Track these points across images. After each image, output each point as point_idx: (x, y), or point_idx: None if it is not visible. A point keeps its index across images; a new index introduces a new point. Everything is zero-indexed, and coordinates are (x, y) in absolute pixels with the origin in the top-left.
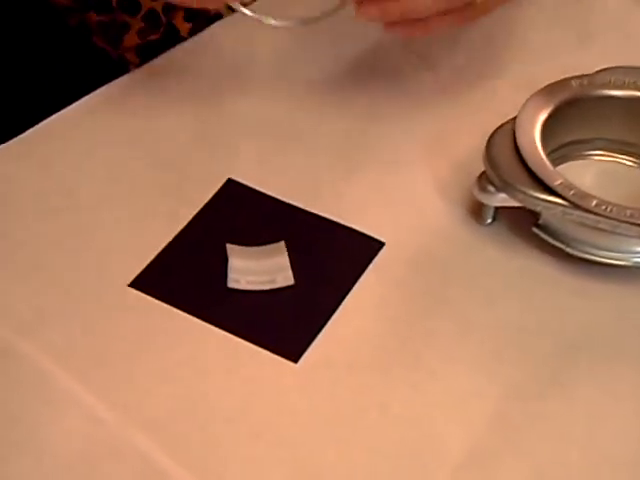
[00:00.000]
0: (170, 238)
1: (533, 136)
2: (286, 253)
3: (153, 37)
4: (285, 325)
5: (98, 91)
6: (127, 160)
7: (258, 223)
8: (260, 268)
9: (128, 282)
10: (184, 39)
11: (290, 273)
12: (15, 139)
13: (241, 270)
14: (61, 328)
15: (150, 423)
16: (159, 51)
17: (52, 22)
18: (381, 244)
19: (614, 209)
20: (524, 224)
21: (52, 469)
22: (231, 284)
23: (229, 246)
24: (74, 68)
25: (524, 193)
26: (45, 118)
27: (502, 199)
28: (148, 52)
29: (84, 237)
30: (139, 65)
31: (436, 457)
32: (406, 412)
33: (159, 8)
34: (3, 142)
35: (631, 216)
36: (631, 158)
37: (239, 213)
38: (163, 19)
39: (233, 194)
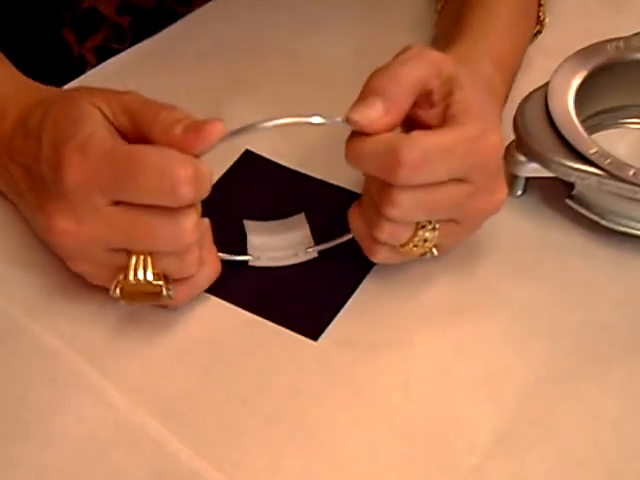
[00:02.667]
0: None
1: (566, 103)
2: (307, 225)
3: (116, 46)
4: (304, 302)
5: (118, 56)
6: None
7: (277, 195)
8: (281, 242)
9: None
10: None
11: (313, 246)
12: None
13: (261, 247)
14: (71, 309)
15: (163, 406)
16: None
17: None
18: None
19: None
20: (557, 196)
21: (60, 453)
22: (252, 263)
23: (246, 222)
24: (35, 55)
25: (557, 162)
26: None
27: (533, 169)
28: (107, 55)
29: None
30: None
31: (463, 440)
32: (431, 392)
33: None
34: None
35: None
36: None
37: (257, 184)
38: (129, 34)
39: (251, 165)
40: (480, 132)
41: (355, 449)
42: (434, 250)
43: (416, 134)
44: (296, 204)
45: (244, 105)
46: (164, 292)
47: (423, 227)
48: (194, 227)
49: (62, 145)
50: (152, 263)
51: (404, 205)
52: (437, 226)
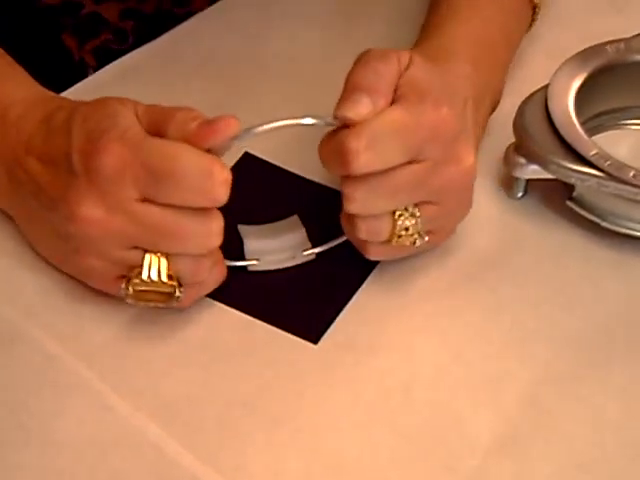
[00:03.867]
0: None
1: (566, 104)
2: (303, 227)
3: (116, 47)
4: (304, 305)
5: (118, 61)
6: None
7: (276, 197)
8: (278, 246)
9: None
10: None
11: (310, 247)
12: None
13: (258, 251)
14: (71, 313)
15: (162, 410)
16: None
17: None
18: None
19: None
20: (557, 197)
21: (60, 457)
22: (251, 268)
23: (241, 227)
24: (35, 61)
25: (557, 164)
26: None
27: (534, 171)
28: (106, 56)
29: None
30: (97, 68)
31: (464, 443)
32: (432, 395)
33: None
34: None
35: None
36: None
37: (256, 187)
38: (131, 38)
39: (250, 168)
40: (427, 105)
41: (356, 452)
42: (424, 236)
43: (363, 121)
44: (296, 207)
45: (244, 109)
46: (177, 293)
47: (401, 216)
48: (221, 231)
49: (100, 135)
50: (167, 264)
51: (359, 198)
52: (416, 213)
